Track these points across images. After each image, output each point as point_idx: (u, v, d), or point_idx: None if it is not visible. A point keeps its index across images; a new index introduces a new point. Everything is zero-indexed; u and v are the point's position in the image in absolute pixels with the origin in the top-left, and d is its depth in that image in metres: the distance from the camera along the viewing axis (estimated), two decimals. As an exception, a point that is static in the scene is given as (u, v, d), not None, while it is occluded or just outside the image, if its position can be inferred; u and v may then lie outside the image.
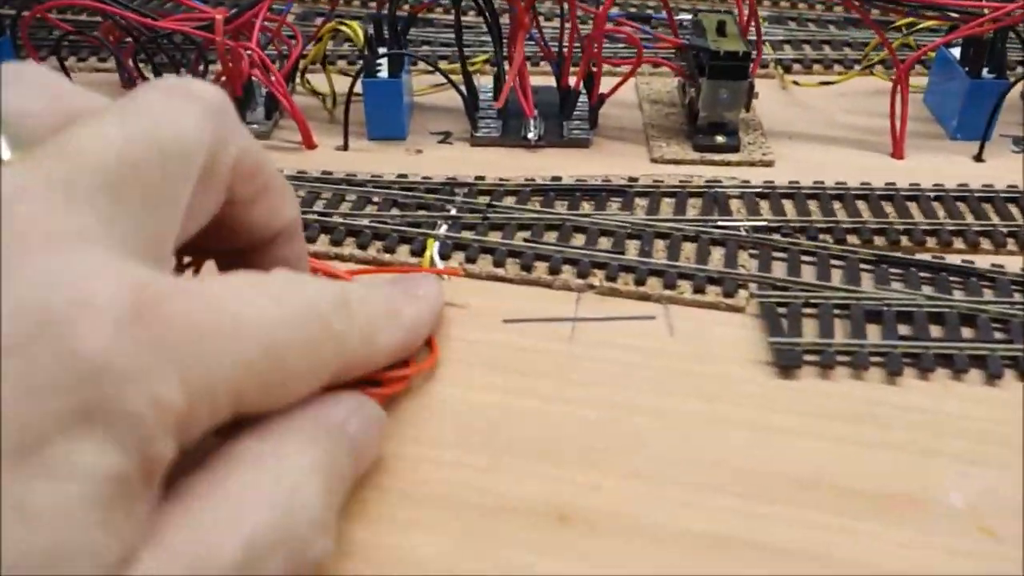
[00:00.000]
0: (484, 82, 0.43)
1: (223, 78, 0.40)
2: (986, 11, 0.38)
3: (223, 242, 0.23)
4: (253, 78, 0.41)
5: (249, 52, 0.39)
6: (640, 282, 0.31)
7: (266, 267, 0.23)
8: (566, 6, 0.40)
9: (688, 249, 0.33)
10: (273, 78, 0.39)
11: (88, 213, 0.17)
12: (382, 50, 0.40)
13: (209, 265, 0.25)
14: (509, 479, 0.24)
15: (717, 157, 0.40)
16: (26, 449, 0.14)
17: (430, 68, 0.43)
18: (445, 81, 0.41)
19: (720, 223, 0.34)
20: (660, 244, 0.33)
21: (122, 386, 0.15)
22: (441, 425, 0.26)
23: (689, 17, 0.48)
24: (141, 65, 0.42)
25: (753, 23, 0.41)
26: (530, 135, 0.40)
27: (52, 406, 0.15)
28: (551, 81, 0.43)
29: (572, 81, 0.41)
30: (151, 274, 0.17)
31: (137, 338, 0.16)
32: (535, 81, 0.41)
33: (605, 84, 0.41)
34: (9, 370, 0.14)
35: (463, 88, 0.40)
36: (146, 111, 0.19)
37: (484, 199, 0.36)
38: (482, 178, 0.37)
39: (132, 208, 0.17)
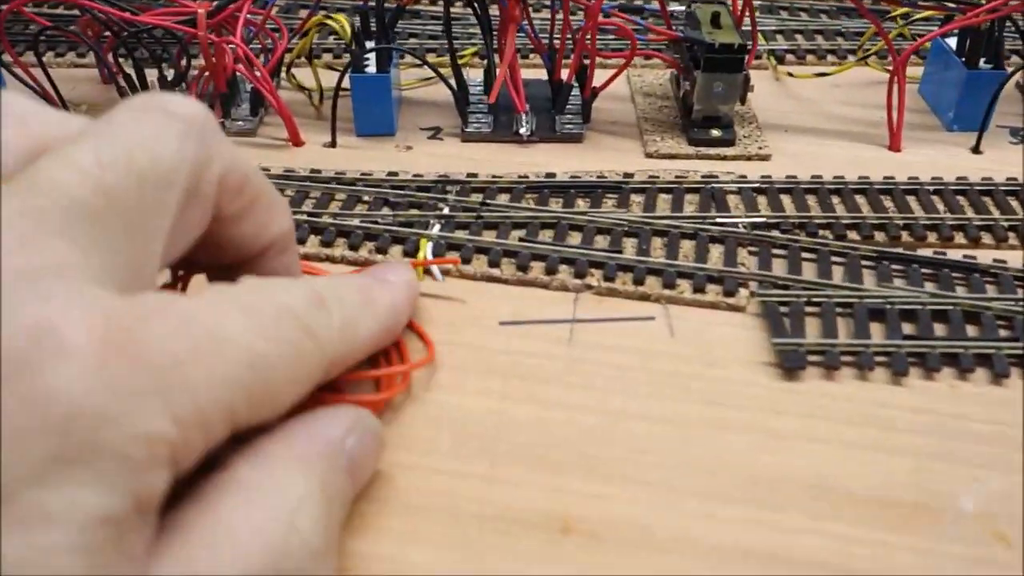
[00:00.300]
0: (473, 76, 0.43)
1: (206, 74, 0.39)
2: (983, 1, 0.37)
3: (212, 257, 0.22)
4: (237, 73, 0.40)
5: (233, 47, 0.38)
6: (639, 282, 0.31)
7: None
8: (557, -2, 0.39)
9: (687, 247, 0.32)
10: (258, 73, 0.38)
11: (63, 246, 0.16)
12: (370, 44, 0.39)
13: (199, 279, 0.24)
14: (509, 488, 0.23)
15: (712, 151, 0.39)
16: (1, 499, 0.14)
17: (418, 62, 0.42)
18: (433, 75, 0.40)
19: (718, 220, 0.34)
20: (658, 242, 0.33)
21: (102, 426, 0.15)
22: (439, 433, 0.25)
23: (681, 8, 0.47)
24: (121, 60, 0.41)
25: (748, 14, 0.41)
26: (522, 130, 0.39)
27: (25, 454, 0.14)
28: (540, 73, 0.42)
29: (564, 74, 0.40)
30: (124, 303, 0.16)
31: (113, 374, 0.15)
32: (525, 74, 0.40)
33: (596, 77, 0.40)
34: None
35: (453, 83, 0.39)
36: (121, 135, 0.18)
37: (477, 197, 0.35)
38: (474, 175, 0.36)
39: (110, 237, 0.17)
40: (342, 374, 0.22)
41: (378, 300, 0.24)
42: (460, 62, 0.40)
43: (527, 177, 0.36)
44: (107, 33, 0.40)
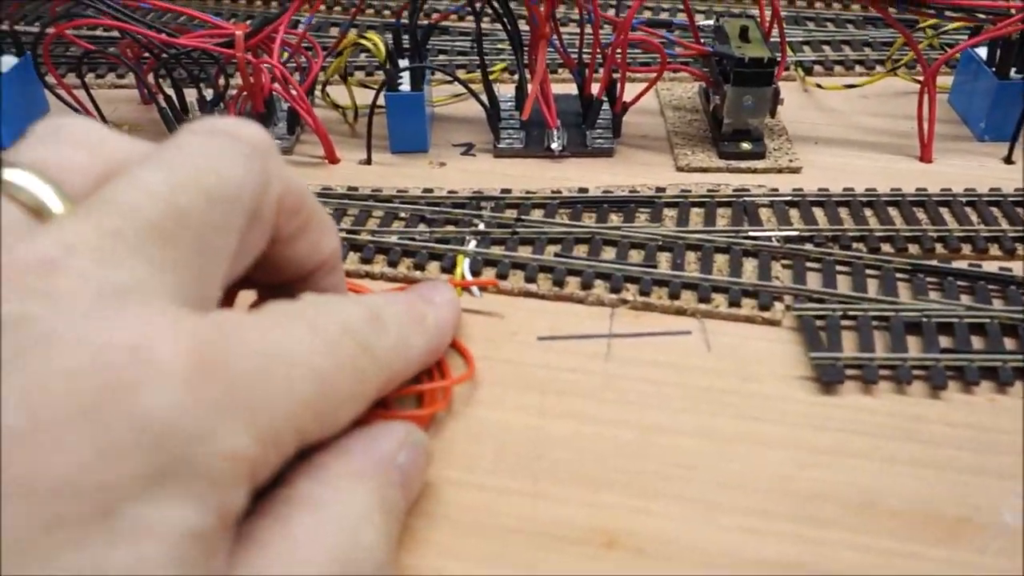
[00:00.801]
0: (503, 91, 0.43)
1: (244, 94, 0.40)
2: (1013, 11, 0.37)
3: (265, 276, 0.23)
4: (274, 93, 0.40)
5: (269, 67, 0.39)
6: (674, 296, 0.31)
7: None
8: (586, 13, 0.40)
9: (720, 261, 0.33)
10: (295, 93, 0.39)
11: (139, 265, 0.17)
12: (403, 62, 0.40)
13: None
14: (551, 503, 0.24)
15: (743, 164, 0.39)
16: (103, 514, 0.14)
17: (448, 78, 0.43)
18: (464, 91, 0.41)
19: (751, 233, 0.34)
20: (692, 256, 0.33)
21: (194, 444, 0.15)
22: (480, 448, 0.25)
23: (709, 22, 0.48)
24: (160, 81, 0.42)
25: (776, 27, 0.41)
26: (554, 146, 0.40)
27: (125, 469, 0.15)
28: (569, 88, 0.42)
29: (595, 89, 0.41)
30: (204, 322, 0.17)
31: (202, 393, 0.16)
32: (554, 89, 0.41)
33: (626, 91, 0.40)
34: (78, 435, 0.14)
35: (485, 99, 0.40)
36: (190, 158, 0.19)
37: (512, 213, 0.35)
38: (508, 191, 0.37)
39: (181, 256, 0.17)
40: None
41: (427, 319, 0.25)
42: (490, 78, 0.40)
43: (560, 192, 0.37)
44: (147, 55, 0.41)
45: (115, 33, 0.46)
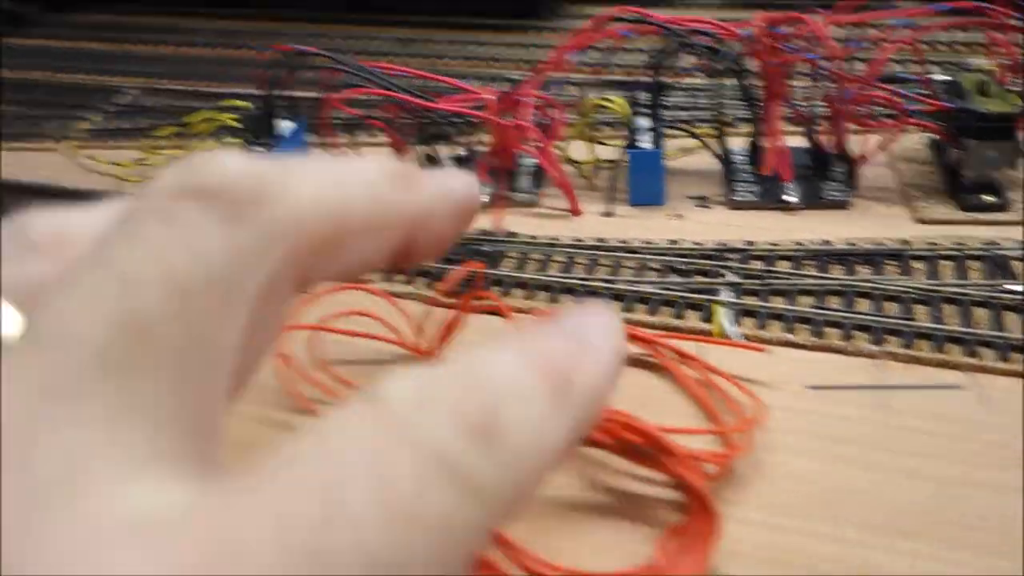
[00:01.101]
0: (733, 145, 0.45)
1: (495, 152, 0.43)
2: None
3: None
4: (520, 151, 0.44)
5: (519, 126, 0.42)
6: (938, 349, 0.32)
7: (424, 246, 0.18)
8: (818, 69, 0.41)
9: (980, 315, 0.33)
10: (543, 149, 0.42)
11: (88, 425, 0.12)
12: (641, 120, 0.43)
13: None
14: (855, 548, 0.25)
15: (986, 217, 0.39)
16: None
17: (682, 133, 0.45)
18: (692, 145, 0.43)
19: (1008, 287, 0.34)
20: (949, 309, 0.34)
21: None
22: (774, 490, 0.27)
23: (934, 76, 0.48)
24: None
25: (1019, 79, 0.41)
26: (790, 198, 0.41)
27: None
28: (796, 139, 0.44)
29: (824, 141, 0.42)
30: (190, 527, 0.11)
31: None
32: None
33: (856, 144, 0.41)
34: None
35: (721, 153, 0.42)
36: (149, 238, 0.13)
37: (757, 264, 0.37)
38: (752, 243, 0.38)
39: (154, 382, 0.13)
40: None
41: (576, 385, 0.15)
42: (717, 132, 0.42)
43: (803, 244, 0.38)
44: (405, 118, 0.46)
45: (362, 97, 0.51)
